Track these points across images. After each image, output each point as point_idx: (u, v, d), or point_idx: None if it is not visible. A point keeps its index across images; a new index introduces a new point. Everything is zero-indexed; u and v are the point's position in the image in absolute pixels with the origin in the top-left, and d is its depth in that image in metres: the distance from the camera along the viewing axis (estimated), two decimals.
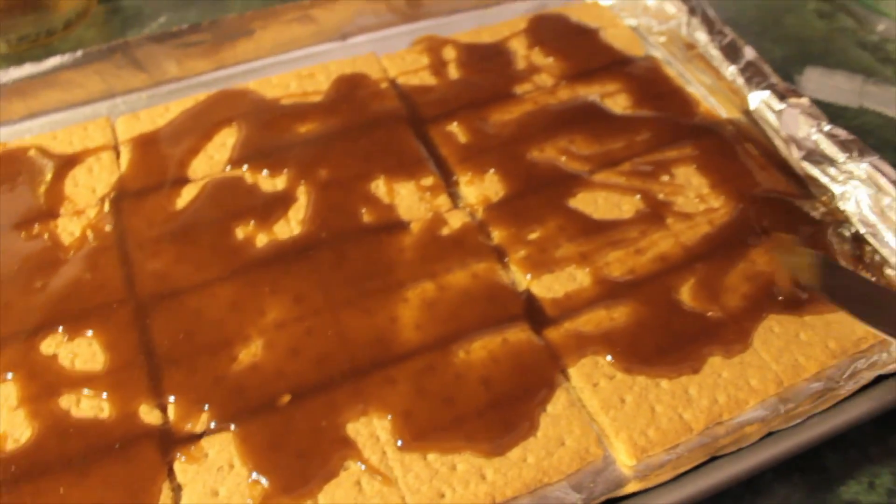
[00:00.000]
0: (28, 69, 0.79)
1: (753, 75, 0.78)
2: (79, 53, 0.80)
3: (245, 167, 0.73)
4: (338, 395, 0.60)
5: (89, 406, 0.60)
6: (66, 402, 0.60)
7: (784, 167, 0.73)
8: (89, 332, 0.63)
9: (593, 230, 0.68)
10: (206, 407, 0.59)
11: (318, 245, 0.67)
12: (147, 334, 0.63)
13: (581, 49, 0.84)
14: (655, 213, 0.69)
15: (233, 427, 0.59)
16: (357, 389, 0.60)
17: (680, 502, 0.53)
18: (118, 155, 0.76)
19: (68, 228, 0.70)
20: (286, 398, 0.59)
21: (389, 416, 0.58)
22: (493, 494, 0.56)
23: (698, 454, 0.57)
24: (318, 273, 0.65)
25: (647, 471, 0.57)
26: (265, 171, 0.73)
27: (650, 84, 0.80)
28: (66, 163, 0.75)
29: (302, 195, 0.71)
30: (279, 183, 0.72)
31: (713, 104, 0.80)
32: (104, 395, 0.60)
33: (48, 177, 0.74)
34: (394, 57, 0.84)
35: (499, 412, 0.59)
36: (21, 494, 0.56)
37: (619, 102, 0.79)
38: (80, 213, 0.71)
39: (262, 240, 0.68)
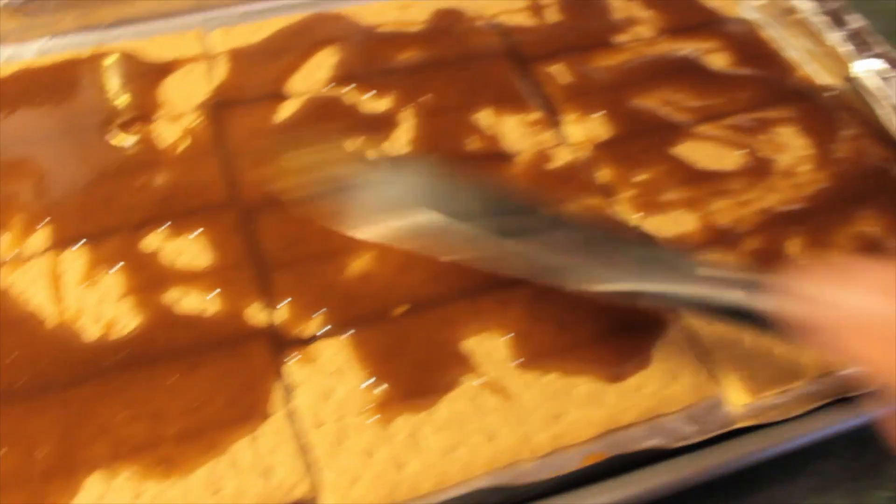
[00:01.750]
0: None
1: (859, 43, 0.78)
2: None
3: (347, 88, 0.71)
4: (454, 311, 0.59)
5: (196, 302, 0.59)
6: (171, 296, 0.59)
7: (886, 137, 0.73)
8: (195, 232, 0.62)
9: (698, 178, 0.68)
10: (319, 311, 0.57)
11: None
12: (254, 238, 0.62)
13: (678, 5, 0.84)
14: (758, 168, 0.69)
15: (346, 333, 0.57)
16: (473, 307, 0.59)
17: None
18: (213, 66, 0.74)
19: (165, 132, 0.69)
20: (402, 308, 0.58)
21: (507, 336, 0.57)
22: (612, 418, 0.54)
23: (808, 400, 0.56)
24: None
25: (758, 411, 0.56)
26: (367, 94, 0.71)
27: (747, 45, 0.80)
28: (161, 69, 0.74)
29: (406, 119, 0.70)
30: (381, 105, 0.71)
31: (813, 70, 0.80)
32: (212, 293, 0.58)
33: (142, 81, 0.71)
34: None
35: (614, 341, 0.59)
36: (131, 380, 0.55)
37: (717, 61, 0.78)
38: (176, 118, 0.70)
39: (371, 156, 0.66)
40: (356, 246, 0.61)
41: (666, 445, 0.55)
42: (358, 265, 0.60)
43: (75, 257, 0.61)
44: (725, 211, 0.66)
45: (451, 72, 0.74)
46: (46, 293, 0.59)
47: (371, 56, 0.75)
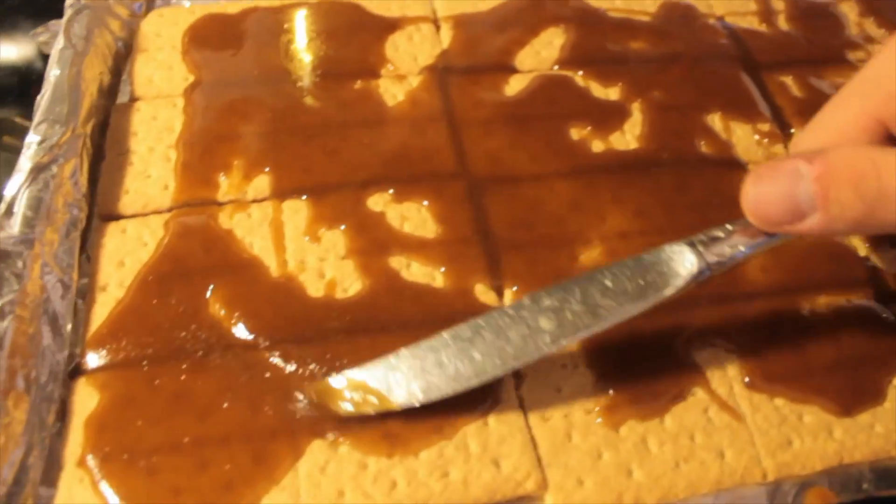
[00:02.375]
0: None
1: None
2: None
3: (580, 72, 0.69)
4: (686, 318, 0.57)
5: (422, 273, 0.58)
6: (396, 262, 0.58)
7: None
8: (424, 202, 0.60)
9: None
10: None
11: (660, 164, 0.65)
12: (483, 213, 0.60)
13: None
14: None
15: None
16: (706, 318, 0.57)
17: None
18: (438, 29, 0.72)
19: (391, 90, 0.68)
20: None
21: (739, 353, 0.55)
22: (841, 453, 0.53)
23: None
24: (661, 192, 0.62)
25: None
26: (596, 80, 0.69)
27: None
28: (386, 26, 0.72)
29: (637, 111, 0.68)
30: (612, 93, 0.69)
31: None
32: (439, 265, 0.56)
33: (368, 34, 0.70)
34: None
35: (848, 373, 0.56)
36: (356, 346, 0.54)
37: None
38: (402, 77, 0.69)
39: (597, 146, 0.65)
40: (588, 236, 0.59)
41: (892, 493, 0.52)
42: (589, 256, 0.59)
43: (298, 208, 0.61)
44: None
45: (681, 68, 0.71)
46: (269, 241, 0.58)
47: (601, 40, 0.73)
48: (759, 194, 0.46)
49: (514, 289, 0.57)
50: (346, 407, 0.50)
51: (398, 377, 0.50)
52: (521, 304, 0.50)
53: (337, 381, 0.51)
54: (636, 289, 0.50)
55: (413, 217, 0.60)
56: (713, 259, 0.49)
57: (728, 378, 0.54)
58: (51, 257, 0.54)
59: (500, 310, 0.51)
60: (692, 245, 0.50)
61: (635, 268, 0.50)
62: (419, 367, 0.50)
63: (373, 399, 0.50)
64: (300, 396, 0.52)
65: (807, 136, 0.51)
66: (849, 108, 0.48)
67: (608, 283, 0.50)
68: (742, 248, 0.49)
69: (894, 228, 0.42)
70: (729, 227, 0.49)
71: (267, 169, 0.61)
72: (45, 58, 0.66)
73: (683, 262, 0.50)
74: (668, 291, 0.50)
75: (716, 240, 0.49)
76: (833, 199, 0.42)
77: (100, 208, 0.59)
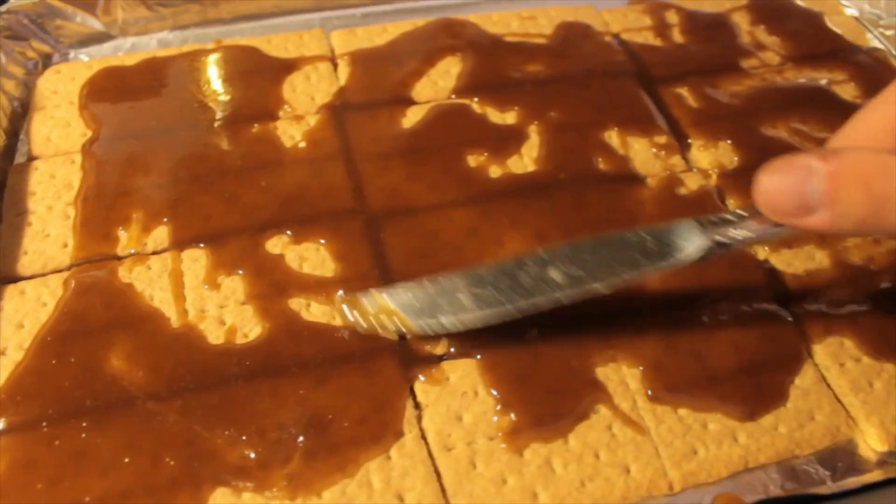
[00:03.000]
0: None
1: None
2: None
3: (476, 99, 0.70)
4: (586, 337, 0.57)
5: (321, 312, 0.57)
6: (296, 303, 0.58)
7: None
8: (322, 241, 0.60)
9: None
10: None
11: (557, 185, 0.65)
12: (381, 248, 0.61)
13: (805, 32, 0.82)
14: None
15: (475, 354, 0.55)
16: (606, 334, 0.57)
17: None
18: (335, 67, 0.73)
19: (288, 132, 0.68)
20: (533, 332, 0.56)
21: (640, 367, 0.55)
22: (745, 458, 0.54)
23: None
24: (558, 213, 0.63)
25: (893, 459, 0.54)
26: (493, 105, 0.70)
27: (879, 76, 0.78)
28: (284, 67, 0.73)
29: (534, 134, 0.69)
30: (509, 118, 0.70)
31: None
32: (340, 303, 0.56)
33: (265, 77, 0.70)
34: (615, 12, 0.82)
35: (749, 378, 0.57)
36: (257, 391, 0.54)
37: (847, 91, 0.76)
38: (299, 118, 0.69)
39: (495, 171, 0.66)
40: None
41: (798, 491, 0.53)
42: None
43: (197, 257, 0.61)
44: (857, 248, 0.64)
45: (580, 88, 0.72)
46: (168, 292, 0.58)
47: (497, 66, 0.73)
48: (771, 185, 0.46)
49: None
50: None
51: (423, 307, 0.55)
52: (537, 255, 0.53)
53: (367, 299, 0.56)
54: (644, 256, 0.52)
55: (311, 257, 0.60)
56: (720, 239, 0.50)
57: (631, 392, 0.55)
58: None
59: (516, 258, 0.54)
60: (702, 224, 0.51)
61: (646, 237, 0.53)
62: (440, 301, 0.54)
63: (397, 321, 0.55)
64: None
65: (836, 140, 0.50)
66: (878, 112, 0.48)
67: (618, 247, 0.53)
68: (748, 234, 0.50)
69: (888, 233, 0.44)
70: (741, 212, 0.50)
71: (166, 219, 0.61)
72: None
73: (692, 238, 0.51)
74: (673, 262, 0.52)
75: (726, 222, 0.50)
76: (841, 197, 0.43)
77: None
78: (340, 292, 0.58)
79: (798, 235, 0.50)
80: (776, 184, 0.46)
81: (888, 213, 0.42)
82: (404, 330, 0.55)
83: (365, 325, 0.56)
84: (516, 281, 0.53)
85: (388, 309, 0.55)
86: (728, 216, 0.50)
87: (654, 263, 0.52)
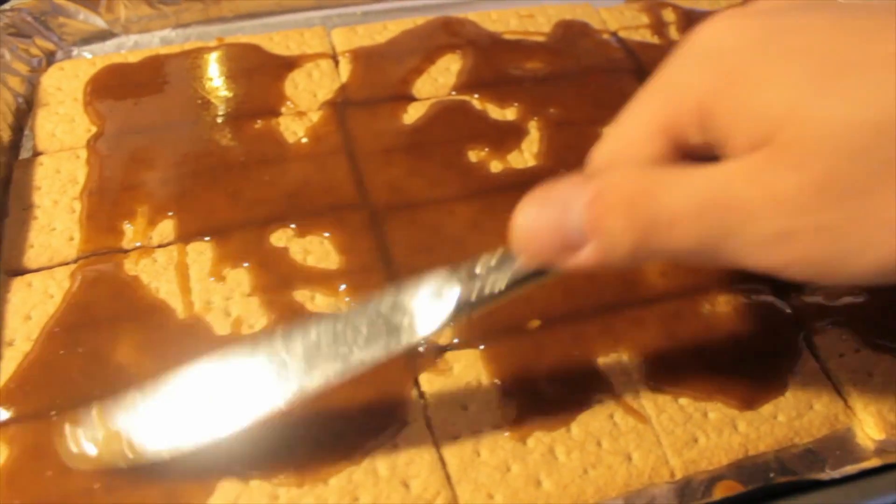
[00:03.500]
0: None
1: None
2: None
3: (476, 95, 0.70)
4: (588, 328, 0.58)
5: (326, 304, 0.58)
6: (300, 296, 0.59)
7: None
8: (326, 234, 0.61)
9: None
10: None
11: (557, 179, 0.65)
12: (384, 241, 0.61)
13: None
14: None
15: (479, 345, 0.56)
16: (607, 326, 0.58)
17: None
18: (337, 64, 0.73)
19: (291, 128, 0.69)
20: (536, 323, 0.57)
21: (641, 357, 0.56)
22: (746, 446, 0.55)
23: None
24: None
25: (891, 447, 0.55)
26: (493, 102, 0.71)
27: None
28: (285, 64, 0.73)
29: (534, 129, 0.70)
30: (509, 114, 0.70)
31: None
32: (343, 297, 0.57)
33: (267, 74, 0.71)
34: (612, 10, 0.83)
35: (749, 368, 0.58)
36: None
37: None
38: (301, 114, 0.70)
39: (496, 166, 0.67)
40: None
41: (798, 478, 0.54)
42: None
43: (202, 250, 0.61)
44: None
45: (578, 85, 0.73)
46: (175, 284, 0.58)
47: (497, 63, 0.74)
48: (527, 223, 0.40)
49: None
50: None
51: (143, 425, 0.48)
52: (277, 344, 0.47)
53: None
54: (391, 330, 0.45)
55: (315, 250, 0.60)
56: (472, 297, 0.44)
57: (632, 382, 0.55)
58: None
59: (258, 348, 0.48)
60: (453, 276, 0.44)
61: (391, 308, 0.46)
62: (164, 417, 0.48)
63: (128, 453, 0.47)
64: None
65: (601, 147, 0.44)
66: (640, 116, 0.42)
67: (363, 328, 0.46)
68: (502, 286, 0.43)
69: (673, 255, 0.38)
70: (496, 256, 0.43)
71: (171, 213, 0.62)
72: None
73: (442, 298, 0.45)
74: (424, 332, 0.45)
75: (475, 277, 0.44)
76: (605, 228, 0.37)
77: (5, 264, 0.60)
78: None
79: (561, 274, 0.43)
80: (532, 221, 0.40)
81: (657, 238, 0.37)
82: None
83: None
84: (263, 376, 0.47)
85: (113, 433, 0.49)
86: (478, 269, 0.44)
87: (399, 341, 0.45)
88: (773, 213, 0.34)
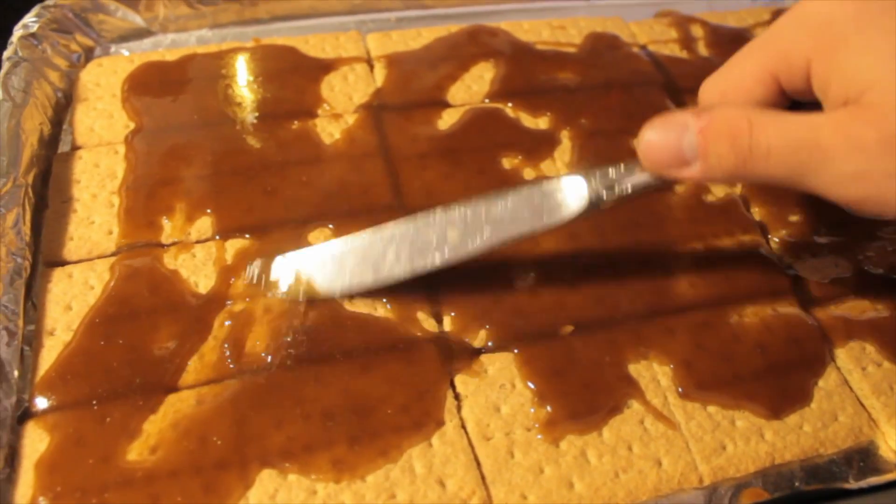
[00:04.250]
0: None
1: None
2: None
3: (510, 104, 0.72)
4: (619, 335, 0.59)
5: (363, 303, 0.59)
6: None
7: None
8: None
9: (849, 222, 0.68)
10: (485, 325, 0.58)
11: None
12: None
13: None
14: None
15: (513, 348, 0.57)
16: (637, 333, 0.59)
17: None
18: (372, 68, 0.75)
19: (327, 129, 0.70)
20: (569, 328, 0.58)
21: (671, 365, 0.57)
22: (772, 454, 0.56)
23: None
24: (591, 216, 0.64)
25: None
26: (526, 110, 0.72)
27: None
28: (322, 67, 0.75)
29: (566, 139, 0.71)
30: (541, 123, 0.72)
31: None
32: (381, 297, 0.58)
33: (304, 76, 0.72)
34: (642, 24, 0.84)
35: (775, 378, 0.59)
36: (302, 377, 0.56)
37: None
38: (338, 116, 0.71)
39: (529, 174, 0.68)
40: (523, 261, 0.61)
41: (823, 487, 0.55)
42: (524, 281, 0.61)
43: (240, 247, 0.62)
44: (878, 256, 0.66)
45: (609, 96, 0.74)
46: (213, 280, 0.59)
47: (529, 73, 0.75)
48: (652, 140, 0.50)
49: (452, 314, 0.58)
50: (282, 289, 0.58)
51: (327, 271, 0.58)
52: (433, 215, 0.57)
53: (278, 263, 0.59)
54: (535, 211, 0.55)
55: None
56: (604, 192, 0.54)
57: (662, 389, 0.56)
58: None
59: (415, 218, 0.57)
60: (587, 178, 0.54)
61: (535, 193, 0.56)
62: (346, 263, 0.58)
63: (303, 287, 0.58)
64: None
65: (709, 85, 0.55)
66: (748, 62, 0.52)
67: (509, 204, 0.55)
68: (631, 185, 0.53)
69: (765, 180, 0.48)
70: (622, 166, 0.53)
71: (209, 210, 0.63)
72: None
73: (579, 191, 0.54)
74: (563, 216, 0.55)
75: (608, 175, 0.53)
76: (711, 151, 0.48)
77: (45, 255, 0.60)
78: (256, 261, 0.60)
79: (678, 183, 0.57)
80: (656, 139, 0.50)
81: (753, 165, 0.47)
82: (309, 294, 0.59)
83: (276, 291, 0.59)
84: (422, 240, 0.57)
85: (297, 275, 0.59)
86: (611, 170, 0.54)
87: (542, 221, 0.55)
88: (852, 157, 0.44)
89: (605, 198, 0.53)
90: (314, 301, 0.58)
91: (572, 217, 0.54)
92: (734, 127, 0.47)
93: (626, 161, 0.53)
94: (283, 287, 0.59)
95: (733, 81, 0.53)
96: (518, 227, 0.55)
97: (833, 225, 0.68)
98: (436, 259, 0.56)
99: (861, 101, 0.45)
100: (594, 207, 0.54)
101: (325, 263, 0.58)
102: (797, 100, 0.52)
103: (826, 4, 0.48)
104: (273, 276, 0.59)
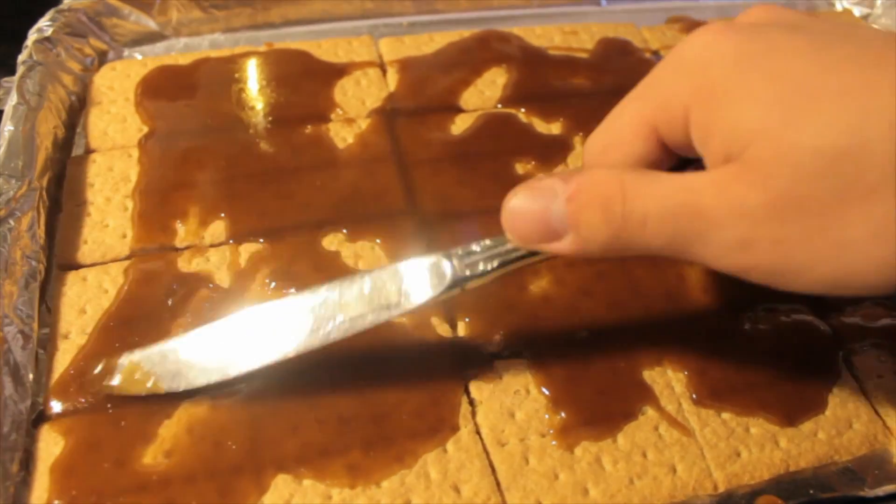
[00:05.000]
0: None
1: None
2: None
3: (523, 109, 0.72)
4: (633, 341, 0.59)
5: None
6: None
7: None
8: (377, 241, 0.62)
9: None
10: (500, 331, 0.58)
11: None
12: (434, 249, 0.61)
13: None
14: None
15: (527, 354, 0.57)
16: (651, 339, 0.59)
17: None
18: (384, 73, 0.75)
19: (340, 134, 0.70)
20: (582, 334, 0.58)
21: (685, 371, 0.57)
22: (787, 461, 0.55)
23: None
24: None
25: None
26: (538, 116, 0.72)
27: None
28: (335, 72, 0.75)
29: (579, 144, 0.71)
30: (554, 128, 0.72)
31: None
32: None
33: (317, 80, 0.73)
34: (653, 30, 0.84)
35: (789, 385, 0.59)
36: (316, 382, 0.56)
37: None
38: (351, 121, 0.71)
39: None
40: (535, 268, 0.61)
41: (837, 495, 0.55)
42: (537, 286, 0.61)
43: (254, 251, 0.62)
44: None
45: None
46: (228, 283, 0.59)
47: (542, 78, 0.75)
48: (516, 208, 0.45)
49: (467, 320, 0.58)
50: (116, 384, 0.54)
51: (171, 364, 0.53)
52: (283, 302, 0.52)
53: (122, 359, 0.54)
54: (390, 295, 0.50)
55: (367, 255, 0.61)
56: (466, 272, 0.49)
57: (676, 395, 0.56)
58: (10, 309, 0.55)
59: (272, 303, 0.52)
60: (448, 258, 0.49)
61: (392, 276, 0.50)
62: (185, 357, 0.53)
63: (148, 383, 0.53)
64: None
65: (592, 140, 0.49)
66: (626, 113, 0.47)
67: (366, 289, 0.51)
68: (495, 264, 0.48)
69: (645, 252, 0.42)
70: (487, 242, 0.48)
71: (222, 214, 0.63)
72: None
73: (439, 272, 0.50)
74: (422, 300, 0.50)
75: (471, 254, 0.49)
76: (583, 221, 0.42)
77: (59, 258, 0.61)
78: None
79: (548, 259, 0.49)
80: (520, 207, 0.45)
81: (629, 235, 0.41)
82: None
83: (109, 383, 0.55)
84: (272, 328, 0.52)
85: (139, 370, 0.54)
86: (474, 247, 0.49)
87: (399, 307, 0.50)
88: (736, 224, 0.39)
89: (468, 275, 0.49)
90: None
91: (431, 300, 0.50)
92: (605, 193, 0.41)
93: (494, 235, 0.48)
94: (116, 381, 0.54)
95: (614, 135, 0.47)
96: (374, 315, 0.50)
97: None
98: (288, 350, 0.51)
99: (743, 158, 0.39)
100: (457, 286, 0.49)
101: (168, 361, 0.53)
102: (685, 156, 0.46)
103: (704, 44, 0.42)
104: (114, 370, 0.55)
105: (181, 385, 0.53)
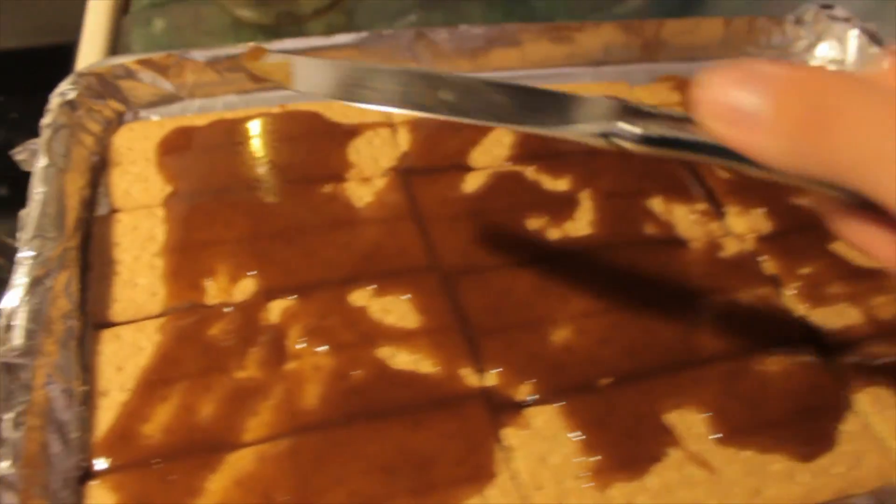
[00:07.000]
0: (308, 42, 0.82)
1: None
2: (364, 34, 0.82)
3: (528, 166, 0.75)
4: (654, 385, 0.62)
5: (408, 360, 0.61)
6: (383, 353, 0.62)
7: None
8: (400, 293, 0.65)
9: (857, 274, 0.72)
10: (528, 380, 0.61)
11: (612, 247, 0.70)
12: (458, 303, 0.65)
13: None
14: None
15: (556, 401, 0.60)
16: (669, 383, 0.62)
17: None
18: (395, 132, 0.78)
19: (358, 192, 0.72)
20: (607, 380, 0.61)
21: (704, 413, 0.60)
22: (806, 497, 0.58)
23: None
24: (615, 272, 0.68)
25: None
26: (546, 173, 0.75)
27: None
28: (347, 132, 0.77)
29: (586, 200, 0.74)
30: (561, 185, 0.75)
31: None
32: (424, 353, 0.63)
33: (331, 141, 0.75)
34: (646, 88, 0.88)
35: (802, 423, 0.62)
36: (358, 433, 0.58)
37: None
38: (367, 180, 0.73)
39: (554, 234, 0.71)
40: (556, 317, 0.64)
41: None
42: (559, 336, 0.64)
43: (285, 307, 0.64)
44: (887, 306, 0.70)
45: (623, 158, 0.77)
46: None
47: (546, 137, 0.78)
48: (715, 83, 0.39)
49: (494, 371, 0.62)
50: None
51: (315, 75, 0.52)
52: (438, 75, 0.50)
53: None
54: (545, 112, 0.47)
55: (394, 310, 0.64)
56: (627, 129, 0.42)
57: (698, 436, 0.60)
58: (53, 367, 0.57)
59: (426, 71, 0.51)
60: (621, 108, 0.43)
61: (558, 98, 0.47)
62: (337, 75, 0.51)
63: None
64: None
65: None
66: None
67: (528, 96, 0.47)
68: (664, 132, 0.42)
69: (833, 169, 0.36)
70: (671, 112, 0.42)
71: (251, 273, 0.64)
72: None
73: (599, 117, 0.44)
74: (570, 131, 0.46)
75: (648, 116, 0.42)
76: (783, 106, 0.37)
77: (92, 317, 0.62)
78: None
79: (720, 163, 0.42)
80: (719, 82, 0.39)
81: (828, 136, 0.35)
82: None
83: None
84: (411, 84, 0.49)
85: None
86: (654, 111, 0.42)
87: (543, 125, 0.47)
88: None
89: (624, 132, 0.42)
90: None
91: (580, 137, 0.45)
92: (820, 86, 0.36)
93: (677, 110, 0.42)
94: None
95: None
96: (516, 119, 0.48)
97: (841, 276, 0.71)
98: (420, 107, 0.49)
99: None
100: (611, 138, 0.43)
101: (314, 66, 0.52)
102: None
103: None
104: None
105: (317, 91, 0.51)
